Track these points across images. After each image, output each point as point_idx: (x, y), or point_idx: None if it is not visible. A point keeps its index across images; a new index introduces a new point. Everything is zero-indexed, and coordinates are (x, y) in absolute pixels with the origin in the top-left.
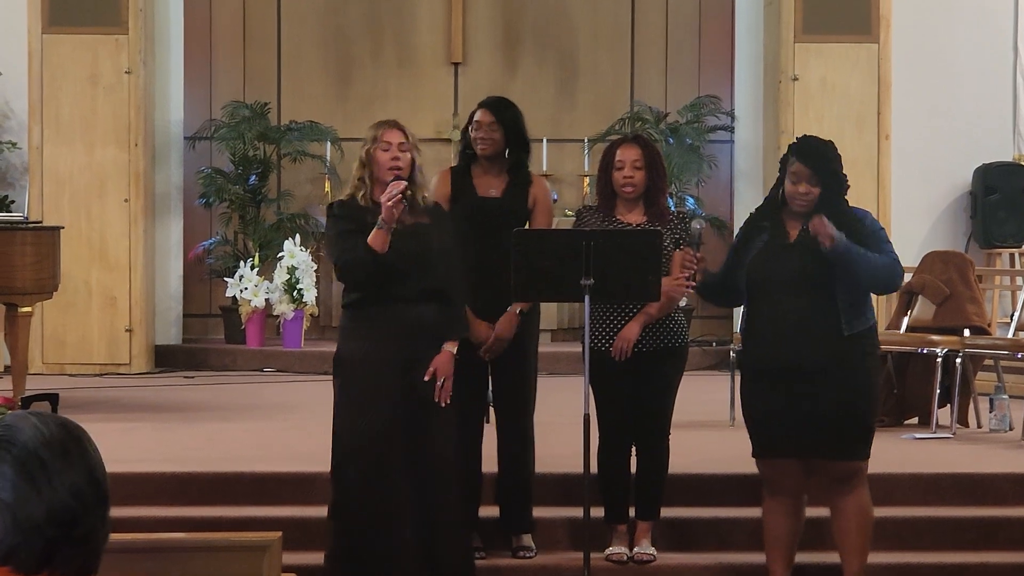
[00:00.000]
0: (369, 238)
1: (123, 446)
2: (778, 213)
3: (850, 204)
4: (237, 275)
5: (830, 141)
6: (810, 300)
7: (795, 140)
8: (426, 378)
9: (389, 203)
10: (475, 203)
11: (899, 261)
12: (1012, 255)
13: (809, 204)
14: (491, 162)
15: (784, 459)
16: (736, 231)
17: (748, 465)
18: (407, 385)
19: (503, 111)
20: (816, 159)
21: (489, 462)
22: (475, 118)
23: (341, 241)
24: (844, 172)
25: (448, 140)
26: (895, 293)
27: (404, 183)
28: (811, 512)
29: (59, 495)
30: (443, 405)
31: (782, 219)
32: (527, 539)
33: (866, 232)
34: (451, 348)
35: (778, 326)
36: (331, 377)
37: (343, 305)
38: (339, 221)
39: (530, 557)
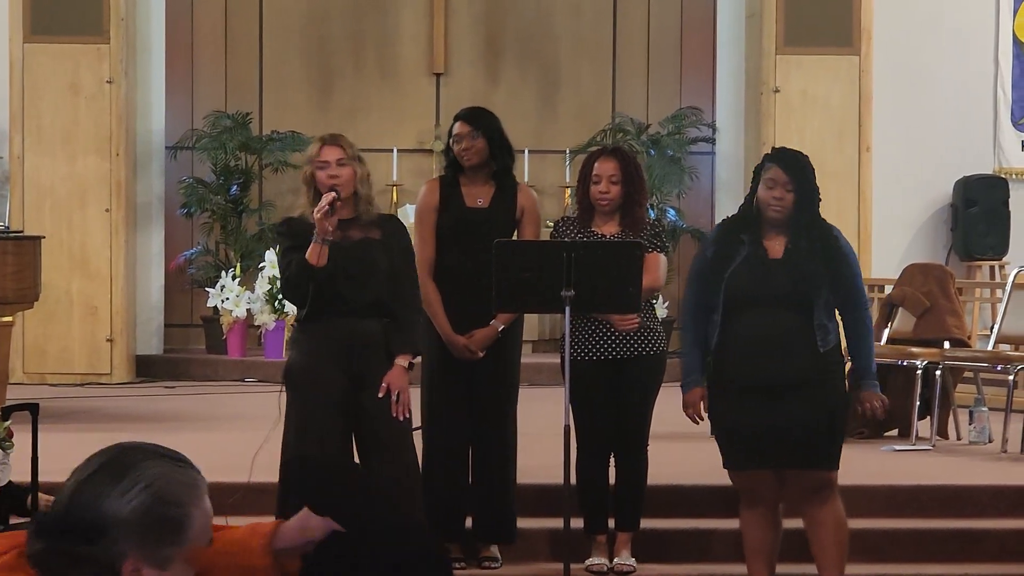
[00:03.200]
0: (307, 252)
1: None
2: (756, 227)
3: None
4: (218, 285)
5: (805, 154)
6: (792, 317)
7: (768, 154)
8: (380, 395)
9: (318, 215)
10: (462, 213)
11: (867, 302)
12: (992, 267)
13: (784, 210)
14: (477, 172)
15: (759, 470)
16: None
17: (728, 477)
18: (353, 399)
19: (480, 119)
20: (792, 166)
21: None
22: (454, 132)
23: (283, 259)
24: (817, 185)
25: (430, 151)
26: (875, 304)
27: (333, 194)
28: (788, 523)
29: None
30: (401, 419)
31: (761, 233)
32: (494, 549)
33: (840, 256)
34: (403, 362)
35: (759, 342)
36: None
37: (295, 320)
38: (284, 239)
39: (495, 567)
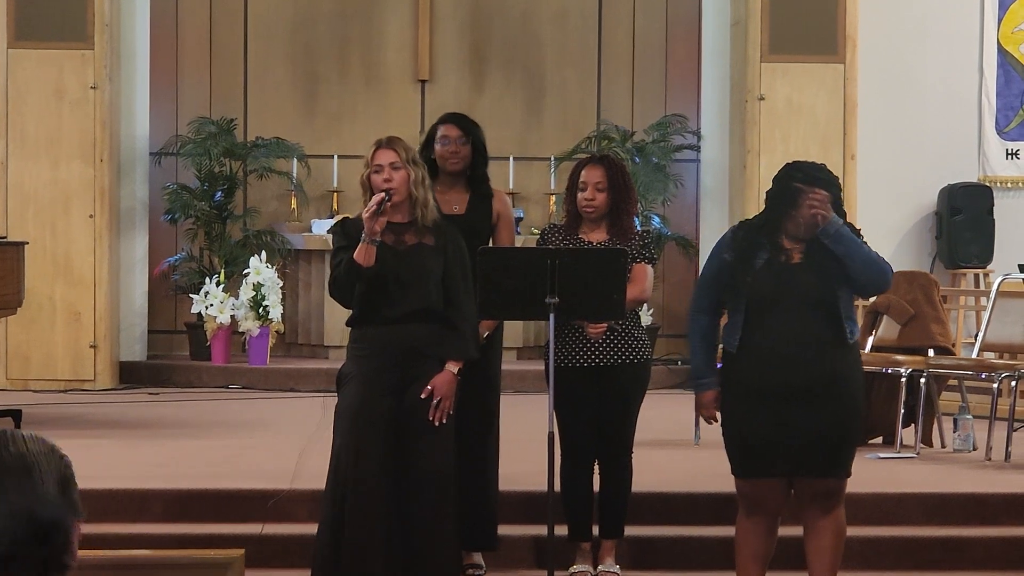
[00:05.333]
0: (355, 252)
1: (87, 463)
2: (778, 234)
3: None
4: (202, 291)
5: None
6: (818, 318)
7: (800, 169)
8: (422, 395)
9: (366, 215)
10: None
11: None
12: (976, 275)
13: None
14: (454, 178)
15: (770, 479)
16: (709, 248)
17: (712, 484)
18: (396, 406)
19: (470, 127)
20: (834, 183)
21: None
22: (442, 132)
23: (334, 258)
24: None
25: None
26: (860, 311)
27: (382, 195)
28: (779, 531)
29: None
30: (436, 424)
31: (781, 239)
32: (478, 557)
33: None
34: (453, 368)
35: (783, 346)
36: (296, 394)
37: (346, 323)
38: (337, 238)
39: (480, 575)
